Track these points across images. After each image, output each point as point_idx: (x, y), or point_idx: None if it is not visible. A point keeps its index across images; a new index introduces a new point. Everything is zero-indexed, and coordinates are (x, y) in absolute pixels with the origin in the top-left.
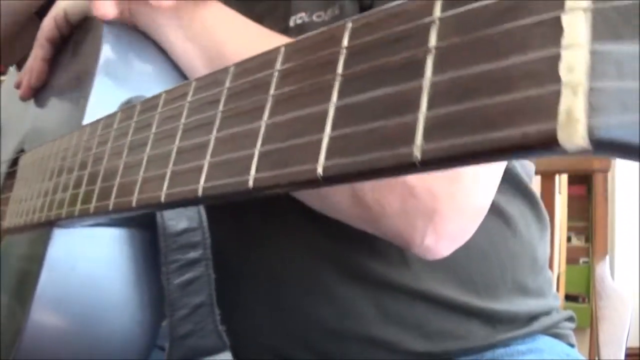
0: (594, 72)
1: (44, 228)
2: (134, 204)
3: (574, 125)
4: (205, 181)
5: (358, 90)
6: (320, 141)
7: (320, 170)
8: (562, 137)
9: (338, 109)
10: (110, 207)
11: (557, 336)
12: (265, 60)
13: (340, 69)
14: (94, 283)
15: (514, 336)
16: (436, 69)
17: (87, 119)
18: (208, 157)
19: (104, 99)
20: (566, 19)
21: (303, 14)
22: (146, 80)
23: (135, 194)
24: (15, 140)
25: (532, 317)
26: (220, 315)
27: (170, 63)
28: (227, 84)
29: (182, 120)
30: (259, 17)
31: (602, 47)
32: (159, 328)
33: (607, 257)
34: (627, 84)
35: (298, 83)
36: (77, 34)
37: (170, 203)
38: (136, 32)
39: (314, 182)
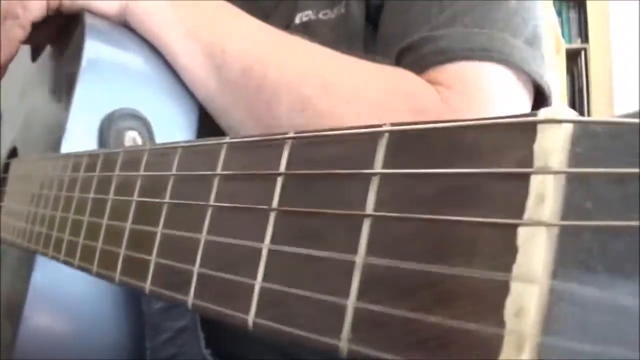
0: (548, 320)
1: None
2: (93, 272)
3: None
4: (151, 283)
5: (291, 237)
6: (252, 288)
7: (250, 322)
8: None
9: (270, 253)
10: (75, 265)
11: None
12: (209, 154)
13: (275, 200)
14: (76, 307)
15: None
16: (371, 247)
17: (71, 121)
18: (153, 254)
19: (88, 99)
20: (522, 235)
21: (309, 12)
22: (131, 78)
23: (95, 264)
24: (13, 132)
25: None
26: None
27: (157, 60)
28: (174, 169)
29: (134, 195)
30: (264, 14)
31: (565, 285)
32: (144, 351)
33: None
34: (590, 348)
35: (237, 198)
36: (68, 28)
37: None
38: (121, 29)
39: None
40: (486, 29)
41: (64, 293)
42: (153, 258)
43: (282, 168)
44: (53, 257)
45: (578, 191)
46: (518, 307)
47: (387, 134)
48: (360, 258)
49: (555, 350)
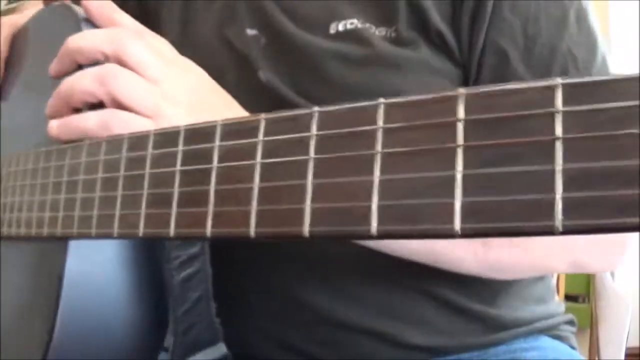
0: None
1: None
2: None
3: None
4: (311, 225)
5: (488, 163)
6: (452, 204)
7: (457, 228)
8: None
9: (467, 177)
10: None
11: (557, 337)
12: (367, 114)
13: (460, 139)
14: (107, 290)
15: (515, 334)
16: (565, 158)
17: None
18: (308, 201)
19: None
20: None
21: (354, 20)
22: None
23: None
24: None
25: (533, 320)
26: (221, 308)
27: None
28: (314, 130)
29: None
30: (301, 20)
31: None
32: (165, 328)
33: None
34: None
35: (414, 143)
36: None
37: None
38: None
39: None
40: None
41: (96, 279)
42: (308, 205)
43: (461, 115)
44: (122, 234)
45: None
46: None
47: (561, 85)
48: (559, 166)
49: None
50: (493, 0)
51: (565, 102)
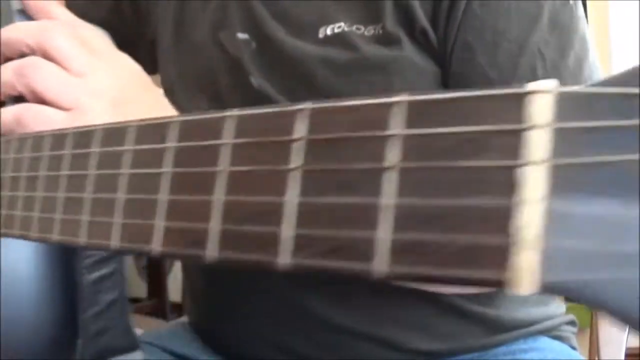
0: (547, 230)
1: None
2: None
3: (525, 278)
4: (163, 245)
5: (320, 191)
6: (279, 234)
7: (282, 263)
8: (513, 286)
9: (301, 204)
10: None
11: (558, 338)
12: (214, 126)
13: (297, 161)
14: (19, 285)
15: (515, 336)
16: (396, 191)
17: None
18: (160, 218)
19: None
20: (521, 173)
21: (341, 23)
22: None
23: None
24: None
25: (533, 322)
26: (220, 310)
27: None
28: (173, 141)
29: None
30: (291, 25)
31: (559, 205)
32: (76, 324)
33: None
34: (579, 243)
35: (252, 163)
36: None
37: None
38: None
39: (275, 270)
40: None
41: (10, 273)
42: (160, 222)
43: (303, 133)
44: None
45: (561, 138)
46: (522, 224)
47: (399, 103)
48: (387, 200)
49: (555, 250)
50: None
51: (404, 124)
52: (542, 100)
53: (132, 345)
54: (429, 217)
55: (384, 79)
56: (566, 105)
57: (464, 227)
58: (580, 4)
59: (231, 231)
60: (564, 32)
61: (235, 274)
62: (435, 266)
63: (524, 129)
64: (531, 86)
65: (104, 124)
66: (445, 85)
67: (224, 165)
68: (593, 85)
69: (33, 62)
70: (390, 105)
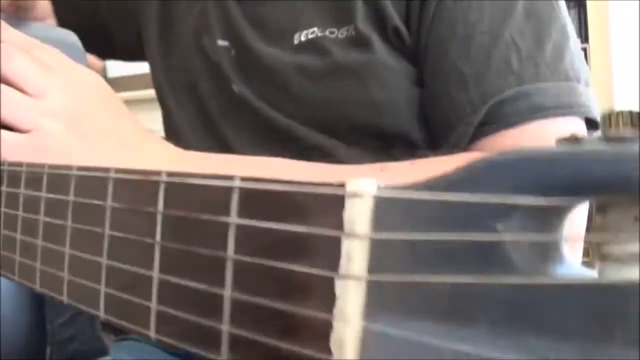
0: (363, 351)
1: None
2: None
3: None
4: (67, 297)
5: (176, 269)
6: (149, 309)
7: (153, 335)
8: None
9: (161, 282)
10: None
11: None
12: (98, 185)
13: (158, 235)
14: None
15: None
16: (235, 283)
17: None
18: (65, 270)
19: None
20: (339, 286)
21: (314, 29)
22: None
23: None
24: None
25: None
26: None
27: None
28: (71, 195)
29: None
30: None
31: (374, 325)
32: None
33: None
34: None
35: (125, 229)
36: None
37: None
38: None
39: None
40: (562, 80)
41: None
42: (65, 275)
43: (160, 207)
44: None
45: (380, 251)
46: (340, 341)
47: (238, 189)
48: (227, 292)
49: None
50: None
51: (241, 210)
52: (361, 206)
53: (101, 350)
54: (262, 317)
55: (359, 83)
56: (386, 211)
57: (290, 334)
58: None
59: (114, 296)
60: (541, 22)
61: None
62: None
63: (343, 238)
64: (351, 187)
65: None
66: (421, 84)
67: (105, 229)
68: (414, 189)
69: None
70: (229, 189)
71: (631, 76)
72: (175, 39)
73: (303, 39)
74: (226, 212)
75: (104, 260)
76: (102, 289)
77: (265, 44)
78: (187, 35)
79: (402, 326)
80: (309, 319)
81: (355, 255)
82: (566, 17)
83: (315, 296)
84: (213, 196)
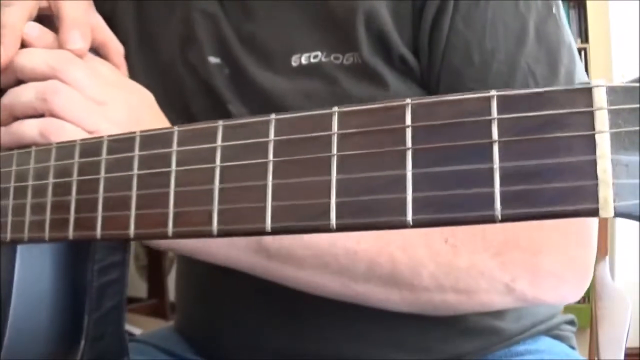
0: (614, 173)
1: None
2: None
3: (608, 206)
4: (273, 222)
5: (434, 163)
6: (405, 199)
7: (410, 219)
8: (602, 213)
9: (416, 175)
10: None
11: (557, 337)
12: (323, 121)
13: (409, 142)
14: (45, 293)
15: (516, 340)
16: (501, 157)
17: None
18: (269, 200)
19: None
20: (598, 137)
21: (317, 52)
22: None
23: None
24: None
25: (535, 324)
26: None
27: None
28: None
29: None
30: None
31: (618, 156)
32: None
33: (607, 258)
34: (633, 181)
35: (367, 146)
36: None
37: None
38: None
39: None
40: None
41: (38, 283)
42: (269, 203)
43: (409, 122)
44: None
45: (615, 117)
46: (603, 168)
47: (496, 97)
48: (496, 164)
49: (620, 186)
50: (449, 17)
51: (500, 111)
52: (599, 91)
53: (123, 352)
54: (530, 173)
55: None
56: (614, 94)
57: (559, 177)
58: (561, 7)
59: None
60: (552, 46)
61: (228, 283)
62: (539, 207)
63: (594, 110)
64: (595, 82)
65: (187, 126)
66: None
67: (336, 150)
68: (632, 81)
69: (55, 87)
70: (488, 98)
71: (631, 76)
72: (157, 49)
73: (304, 61)
74: (487, 112)
75: (334, 178)
76: (334, 201)
77: (259, 64)
78: (171, 48)
79: (634, 157)
80: (574, 164)
81: (601, 119)
82: (569, 35)
83: (577, 149)
84: (469, 105)
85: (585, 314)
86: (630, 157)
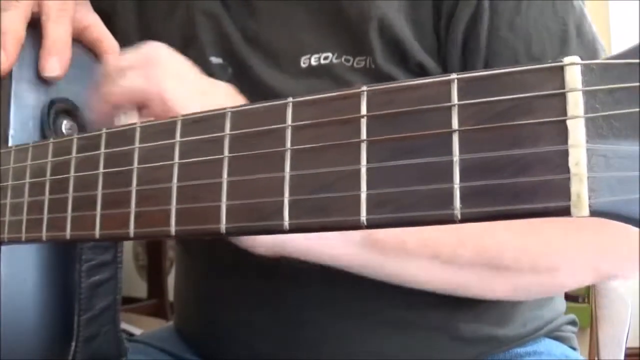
0: (589, 165)
1: None
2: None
3: (581, 203)
4: (227, 223)
5: (390, 156)
6: (359, 197)
7: (364, 219)
8: (574, 211)
9: (370, 170)
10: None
11: (558, 339)
12: (278, 112)
13: (364, 134)
14: (31, 292)
15: (517, 344)
16: (462, 149)
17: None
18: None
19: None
20: (570, 124)
21: (329, 54)
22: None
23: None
24: None
25: (537, 328)
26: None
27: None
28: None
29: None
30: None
31: (594, 146)
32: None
33: None
34: (612, 174)
35: (321, 139)
36: None
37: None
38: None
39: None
40: None
41: (24, 282)
42: (224, 203)
43: (364, 111)
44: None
45: (591, 100)
46: (576, 160)
47: (456, 80)
48: (456, 157)
49: (597, 180)
50: (487, 22)
51: (461, 96)
52: (572, 70)
53: (121, 353)
54: (492, 168)
55: None
56: (590, 73)
57: (526, 171)
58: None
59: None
60: (591, 45)
61: (227, 284)
62: (503, 205)
63: (566, 92)
64: (567, 60)
65: (148, 122)
66: None
67: (289, 144)
68: (606, 58)
69: (162, 75)
70: (448, 82)
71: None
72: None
73: (314, 62)
74: (446, 99)
75: (287, 174)
76: (287, 199)
77: (265, 64)
78: (172, 46)
79: (614, 146)
80: (544, 155)
81: (577, 103)
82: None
83: (547, 138)
84: (428, 91)
85: (586, 314)
86: (609, 146)
